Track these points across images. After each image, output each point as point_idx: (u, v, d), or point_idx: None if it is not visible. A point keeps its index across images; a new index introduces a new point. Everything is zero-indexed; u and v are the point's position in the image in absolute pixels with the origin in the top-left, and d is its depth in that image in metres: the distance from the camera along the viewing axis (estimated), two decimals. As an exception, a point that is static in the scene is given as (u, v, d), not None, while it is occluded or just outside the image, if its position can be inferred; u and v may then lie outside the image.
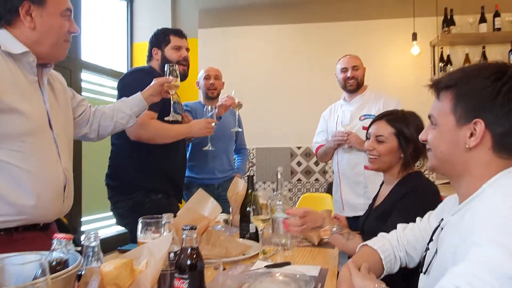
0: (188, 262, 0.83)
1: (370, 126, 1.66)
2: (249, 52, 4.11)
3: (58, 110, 1.30)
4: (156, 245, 0.77)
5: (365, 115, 2.39)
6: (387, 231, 1.33)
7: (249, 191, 1.70)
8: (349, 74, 2.41)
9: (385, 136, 1.56)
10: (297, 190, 4.05)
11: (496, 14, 3.60)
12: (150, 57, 2.10)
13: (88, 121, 1.54)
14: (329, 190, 3.80)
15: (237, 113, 2.40)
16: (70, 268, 0.64)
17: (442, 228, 0.93)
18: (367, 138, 1.66)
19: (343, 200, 2.40)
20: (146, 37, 4.43)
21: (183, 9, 4.35)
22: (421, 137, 0.97)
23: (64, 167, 1.26)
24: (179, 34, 2.09)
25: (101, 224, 3.29)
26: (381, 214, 1.51)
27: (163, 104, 1.84)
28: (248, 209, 1.67)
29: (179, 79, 1.72)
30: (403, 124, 1.54)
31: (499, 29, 3.59)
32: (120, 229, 3.52)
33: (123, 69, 4.19)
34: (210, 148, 2.18)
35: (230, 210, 1.98)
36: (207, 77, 2.65)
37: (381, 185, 1.75)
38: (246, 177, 1.77)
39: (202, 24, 4.21)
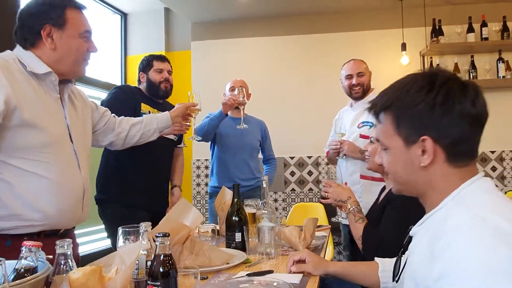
0: (161, 269, 0.83)
1: None
2: (241, 63, 4.15)
3: (78, 124, 1.41)
4: (126, 252, 0.78)
5: (363, 122, 2.30)
6: (382, 228, 1.41)
7: (235, 200, 1.71)
8: (354, 81, 2.31)
9: (375, 137, 1.60)
10: (291, 200, 4.06)
11: (483, 24, 3.66)
12: (139, 81, 2.35)
13: (114, 130, 1.67)
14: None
15: (242, 111, 2.40)
16: (36, 274, 0.65)
17: (411, 237, 0.91)
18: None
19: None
20: (139, 50, 4.50)
21: (176, 22, 4.41)
22: (377, 160, 0.93)
23: (83, 176, 1.37)
24: (161, 59, 2.33)
25: (91, 238, 3.28)
26: (377, 216, 1.54)
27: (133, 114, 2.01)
28: (234, 218, 1.69)
29: (201, 103, 1.94)
30: None
31: (486, 39, 3.65)
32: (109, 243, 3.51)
33: (117, 81, 4.23)
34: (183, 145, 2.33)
35: (218, 219, 1.99)
36: (231, 89, 2.72)
37: (380, 193, 1.77)
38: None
39: (195, 37, 4.26)
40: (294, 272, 1.30)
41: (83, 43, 1.33)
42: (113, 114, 1.71)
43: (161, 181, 2.31)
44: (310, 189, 4.04)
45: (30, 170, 1.20)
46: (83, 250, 3.06)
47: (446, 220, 0.73)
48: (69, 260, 0.79)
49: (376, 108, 0.88)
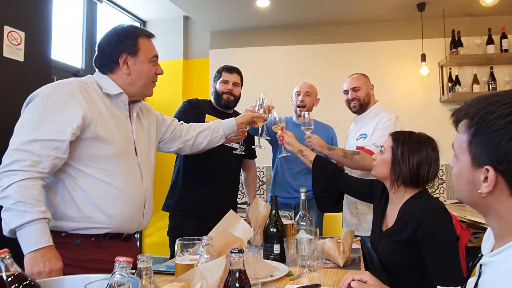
0: (237, 285, 0.84)
1: None
2: (259, 72, 4.17)
3: (143, 139, 1.55)
4: (208, 269, 0.79)
5: (361, 135, 2.31)
6: (441, 275, 1.31)
7: (273, 212, 1.71)
8: (349, 96, 2.38)
9: (385, 147, 1.63)
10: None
11: (503, 36, 3.67)
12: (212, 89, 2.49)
13: (181, 137, 1.80)
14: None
15: (264, 125, 2.11)
16: (136, 291, 0.66)
17: (481, 265, 0.82)
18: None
19: (343, 216, 2.39)
20: (159, 58, 4.50)
21: (195, 31, 4.44)
22: (451, 164, 0.86)
23: (145, 187, 1.48)
24: (229, 70, 2.40)
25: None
26: (401, 241, 1.47)
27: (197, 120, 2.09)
28: (271, 229, 1.69)
29: (267, 114, 2.05)
30: (404, 144, 1.54)
31: (506, 50, 3.66)
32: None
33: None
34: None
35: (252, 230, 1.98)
36: (297, 93, 2.64)
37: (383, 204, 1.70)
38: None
39: (214, 45, 4.29)
40: None
41: (151, 67, 1.49)
42: (181, 122, 1.85)
43: (226, 189, 2.34)
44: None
45: (100, 178, 1.35)
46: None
47: None
48: (150, 274, 0.80)
49: (459, 114, 0.80)
